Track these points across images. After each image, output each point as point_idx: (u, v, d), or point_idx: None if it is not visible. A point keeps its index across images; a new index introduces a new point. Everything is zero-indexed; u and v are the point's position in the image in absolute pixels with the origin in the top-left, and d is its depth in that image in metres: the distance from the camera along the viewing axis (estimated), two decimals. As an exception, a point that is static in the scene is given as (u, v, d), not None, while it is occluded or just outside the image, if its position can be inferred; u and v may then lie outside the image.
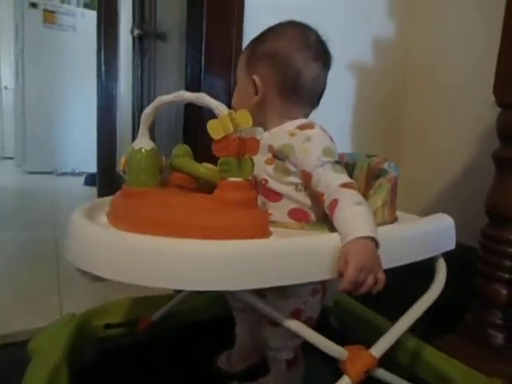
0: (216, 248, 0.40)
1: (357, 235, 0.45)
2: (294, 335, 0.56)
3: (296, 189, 0.56)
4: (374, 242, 0.46)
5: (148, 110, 0.49)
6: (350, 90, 1.27)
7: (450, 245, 0.59)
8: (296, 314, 0.58)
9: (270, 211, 0.56)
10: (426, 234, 0.57)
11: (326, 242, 0.46)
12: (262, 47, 0.60)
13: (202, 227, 0.42)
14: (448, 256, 0.60)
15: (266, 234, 0.46)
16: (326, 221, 0.54)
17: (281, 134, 0.58)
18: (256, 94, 0.59)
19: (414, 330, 0.57)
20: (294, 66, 0.58)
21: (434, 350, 0.75)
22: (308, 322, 0.58)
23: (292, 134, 0.56)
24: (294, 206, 0.57)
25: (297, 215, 0.57)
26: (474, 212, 0.87)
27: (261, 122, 0.61)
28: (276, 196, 0.56)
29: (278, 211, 0.56)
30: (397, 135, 1.38)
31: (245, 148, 0.45)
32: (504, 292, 0.79)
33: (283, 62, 0.58)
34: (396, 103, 1.36)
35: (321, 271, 0.45)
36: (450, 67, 1.22)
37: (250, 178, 0.46)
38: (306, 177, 0.54)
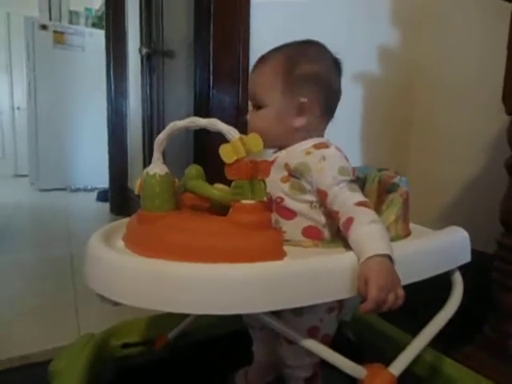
0: (232, 272, 0.41)
1: (373, 253, 0.45)
2: (312, 352, 0.56)
3: (311, 206, 0.57)
4: (390, 259, 0.46)
5: (162, 135, 0.50)
6: (357, 101, 1.27)
7: (466, 258, 0.59)
8: (312, 332, 0.58)
9: (284, 229, 0.56)
10: (440, 248, 0.56)
11: (340, 261, 0.47)
12: (300, 69, 0.59)
13: (217, 251, 0.43)
14: (464, 264, 0.59)
15: (280, 255, 0.46)
16: (339, 238, 0.54)
17: (297, 152, 0.58)
18: (298, 115, 0.59)
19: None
20: (334, 85, 0.62)
21: (452, 363, 0.74)
22: (324, 340, 0.59)
23: (308, 153, 0.56)
24: (308, 223, 0.57)
25: (311, 233, 0.57)
26: (486, 219, 0.86)
27: (285, 143, 0.61)
28: (291, 214, 0.57)
29: (293, 229, 0.57)
30: (406, 145, 1.38)
31: (257, 171, 0.46)
32: (522, 302, 0.78)
33: (325, 82, 0.60)
34: (404, 113, 1.37)
35: (336, 291, 0.45)
36: (457, 75, 1.22)
37: (263, 199, 0.47)
38: (322, 195, 0.54)
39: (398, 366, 0.49)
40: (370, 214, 0.50)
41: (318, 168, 0.54)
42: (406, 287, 0.46)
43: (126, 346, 0.81)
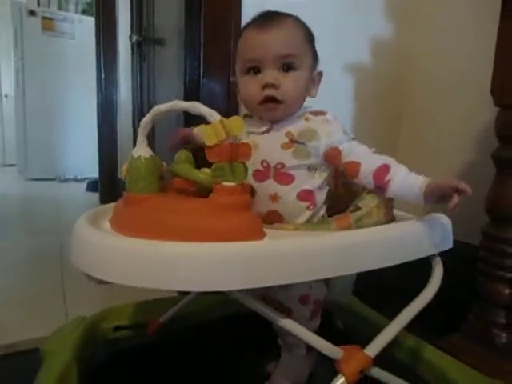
0: (211, 250, 0.42)
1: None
2: (311, 320, 0.61)
3: (309, 170, 0.58)
4: None
5: (146, 119, 0.50)
6: (347, 92, 1.27)
7: (448, 244, 0.59)
8: (303, 300, 0.61)
9: (279, 194, 0.57)
10: (421, 233, 0.57)
11: (320, 242, 0.48)
12: (307, 33, 0.60)
13: (198, 230, 0.44)
14: (450, 254, 0.60)
15: (260, 235, 0.47)
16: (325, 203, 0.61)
17: (294, 119, 0.59)
18: (315, 85, 0.62)
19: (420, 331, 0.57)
20: None
21: (433, 349, 0.75)
22: (316, 305, 0.63)
23: (307, 119, 0.59)
24: (303, 187, 0.58)
25: (305, 196, 0.58)
26: (474, 210, 0.87)
27: (295, 111, 0.60)
28: (289, 178, 0.58)
29: (289, 194, 0.58)
30: (396, 136, 1.39)
31: (237, 153, 0.46)
32: (506, 291, 0.79)
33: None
34: (395, 104, 1.37)
35: (315, 270, 0.46)
36: (448, 67, 1.22)
37: (244, 181, 0.48)
38: (334, 152, 0.57)
39: (373, 348, 0.50)
40: (391, 160, 0.56)
41: (325, 131, 0.57)
42: (393, 277, 0.47)
43: (117, 328, 0.81)
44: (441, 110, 1.25)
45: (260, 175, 0.58)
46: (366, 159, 0.56)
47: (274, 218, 0.58)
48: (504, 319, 0.80)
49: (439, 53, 1.25)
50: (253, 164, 0.56)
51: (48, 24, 3.23)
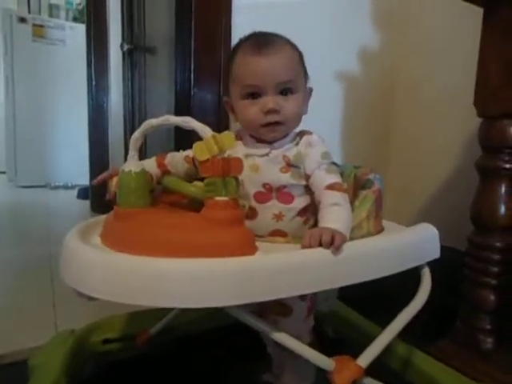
0: (203, 266, 0.42)
1: (323, 225, 0.51)
2: (307, 317, 0.64)
3: (305, 188, 0.61)
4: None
5: (137, 133, 0.50)
6: (337, 100, 1.29)
7: (435, 254, 0.61)
8: (302, 296, 0.62)
9: (283, 213, 0.60)
10: (410, 244, 0.58)
11: (310, 256, 0.48)
12: (300, 55, 0.63)
13: (190, 246, 0.44)
14: (437, 260, 0.61)
15: (252, 250, 0.48)
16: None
17: (287, 143, 0.61)
18: (307, 102, 0.64)
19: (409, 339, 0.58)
20: None
21: (424, 356, 0.76)
22: (311, 302, 0.66)
23: (297, 143, 0.61)
24: (303, 205, 0.61)
25: (303, 212, 0.61)
26: (461, 217, 0.89)
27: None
28: (291, 198, 0.60)
29: (292, 212, 0.60)
30: (386, 144, 1.41)
31: (229, 168, 0.47)
32: (492, 297, 0.81)
33: None
34: (385, 112, 1.39)
35: (306, 284, 0.47)
36: (436, 78, 1.25)
37: (236, 196, 0.48)
38: (306, 179, 0.60)
39: (365, 358, 0.51)
40: (335, 196, 0.55)
41: (305, 154, 0.59)
42: (384, 283, 0.48)
43: (106, 341, 0.81)
44: (428, 121, 1.28)
45: (262, 197, 0.60)
46: (316, 192, 0.58)
47: (278, 236, 0.61)
48: (489, 325, 0.81)
49: (427, 62, 1.28)
50: (254, 185, 0.59)
51: (39, 31, 3.21)
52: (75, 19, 3.52)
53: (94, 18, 2.22)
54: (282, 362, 0.68)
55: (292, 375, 0.68)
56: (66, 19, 3.50)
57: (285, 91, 0.59)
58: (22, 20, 3.16)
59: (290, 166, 0.59)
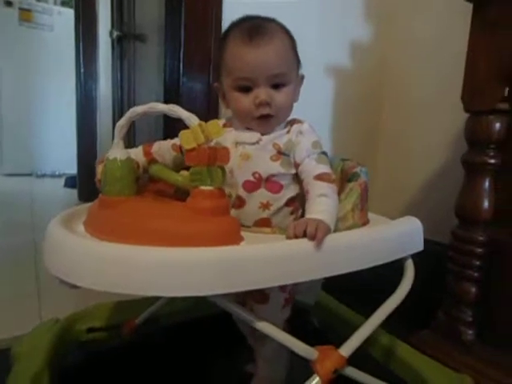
0: (187, 255, 0.42)
1: (309, 216, 0.51)
2: (284, 308, 0.65)
3: (293, 178, 0.61)
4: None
5: (122, 121, 0.50)
6: (327, 94, 1.29)
7: (419, 246, 0.62)
8: (283, 287, 0.63)
9: (271, 202, 0.59)
10: (394, 237, 0.59)
11: (294, 246, 0.48)
12: (292, 41, 0.62)
13: (174, 235, 0.44)
14: (422, 253, 0.62)
15: (237, 239, 0.48)
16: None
17: (280, 131, 0.61)
18: (298, 89, 0.64)
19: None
20: None
21: (406, 347, 0.77)
22: (291, 294, 0.66)
23: (289, 131, 0.61)
24: (291, 194, 0.61)
25: (290, 202, 0.61)
26: (447, 212, 0.90)
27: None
28: (279, 187, 0.60)
29: (279, 201, 0.60)
30: (375, 139, 1.42)
31: (215, 157, 0.46)
32: (473, 290, 0.82)
33: None
34: (374, 107, 1.39)
35: (291, 274, 0.47)
36: (425, 73, 1.25)
37: (221, 185, 0.48)
38: (296, 167, 0.60)
39: (347, 348, 0.51)
40: (322, 187, 0.55)
41: (296, 142, 0.60)
42: (368, 276, 0.49)
43: (91, 330, 0.80)
44: (416, 116, 1.29)
45: (251, 185, 0.59)
46: (305, 181, 0.59)
47: (264, 225, 0.60)
48: (470, 317, 0.83)
49: (415, 60, 1.29)
50: (244, 174, 0.59)
51: (25, 15, 3.13)
52: (63, 3, 3.43)
53: (82, 3, 2.17)
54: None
55: (263, 363, 0.69)
56: (55, 3, 3.42)
57: (277, 84, 0.59)
58: (8, 4, 3.07)
59: (280, 153, 0.59)
